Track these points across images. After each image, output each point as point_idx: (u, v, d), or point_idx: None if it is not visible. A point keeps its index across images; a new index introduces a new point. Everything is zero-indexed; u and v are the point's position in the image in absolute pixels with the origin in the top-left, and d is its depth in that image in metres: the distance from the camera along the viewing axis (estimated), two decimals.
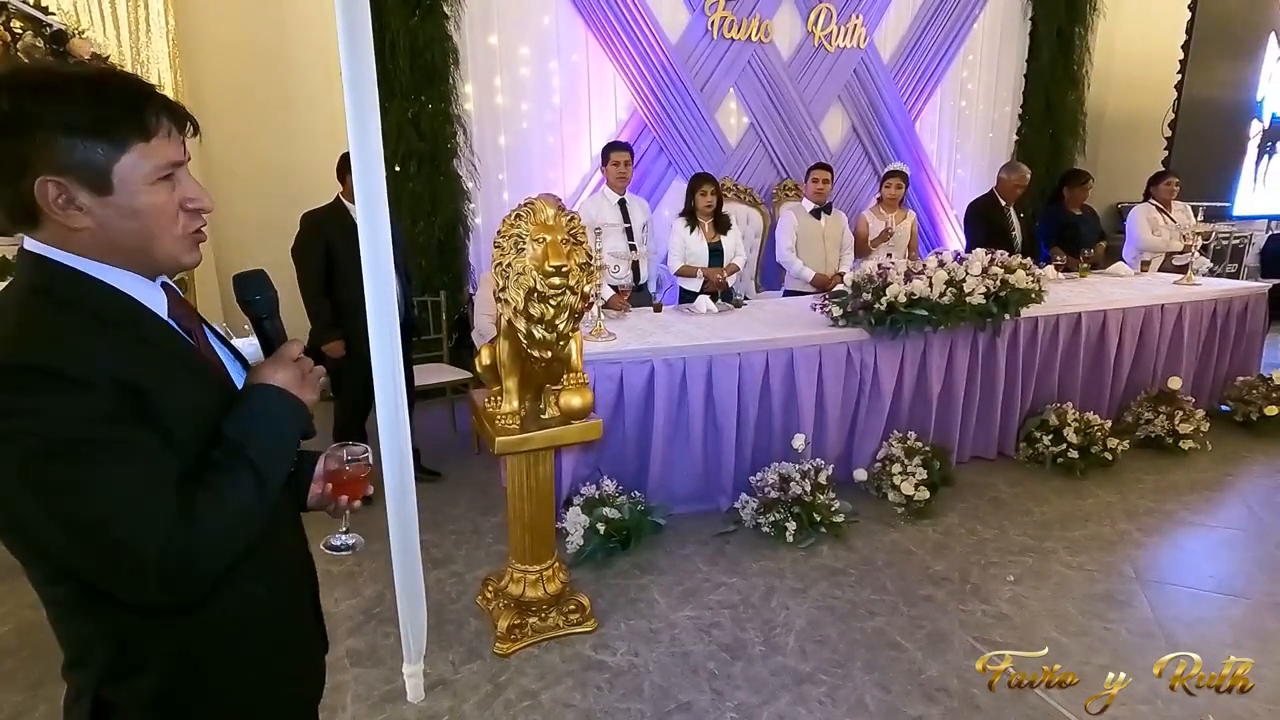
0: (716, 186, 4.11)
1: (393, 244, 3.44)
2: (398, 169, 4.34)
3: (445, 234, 4.41)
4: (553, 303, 1.89)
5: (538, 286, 1.85)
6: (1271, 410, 3.96)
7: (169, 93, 4.31)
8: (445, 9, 4.26)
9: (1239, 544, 2.90)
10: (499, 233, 1.93)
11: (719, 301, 3.72)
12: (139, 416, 0.77)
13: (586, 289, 1.96)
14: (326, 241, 3.04)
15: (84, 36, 2.47)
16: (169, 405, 0.81)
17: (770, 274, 5.08)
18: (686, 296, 4.05)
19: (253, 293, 1.01)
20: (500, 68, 4.59)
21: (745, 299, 4.08)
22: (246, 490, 0.83)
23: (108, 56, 2.76)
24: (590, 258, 1.97)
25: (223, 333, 1.07)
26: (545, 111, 4.76)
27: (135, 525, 0.74)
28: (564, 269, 1.83)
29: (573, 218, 1.91)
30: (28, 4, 2.61)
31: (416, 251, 4.31)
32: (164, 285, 0.92)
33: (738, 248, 4.17)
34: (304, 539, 1.10)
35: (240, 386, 0.95)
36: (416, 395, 3.65)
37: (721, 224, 4.12)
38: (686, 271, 4.03)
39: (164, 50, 4.12)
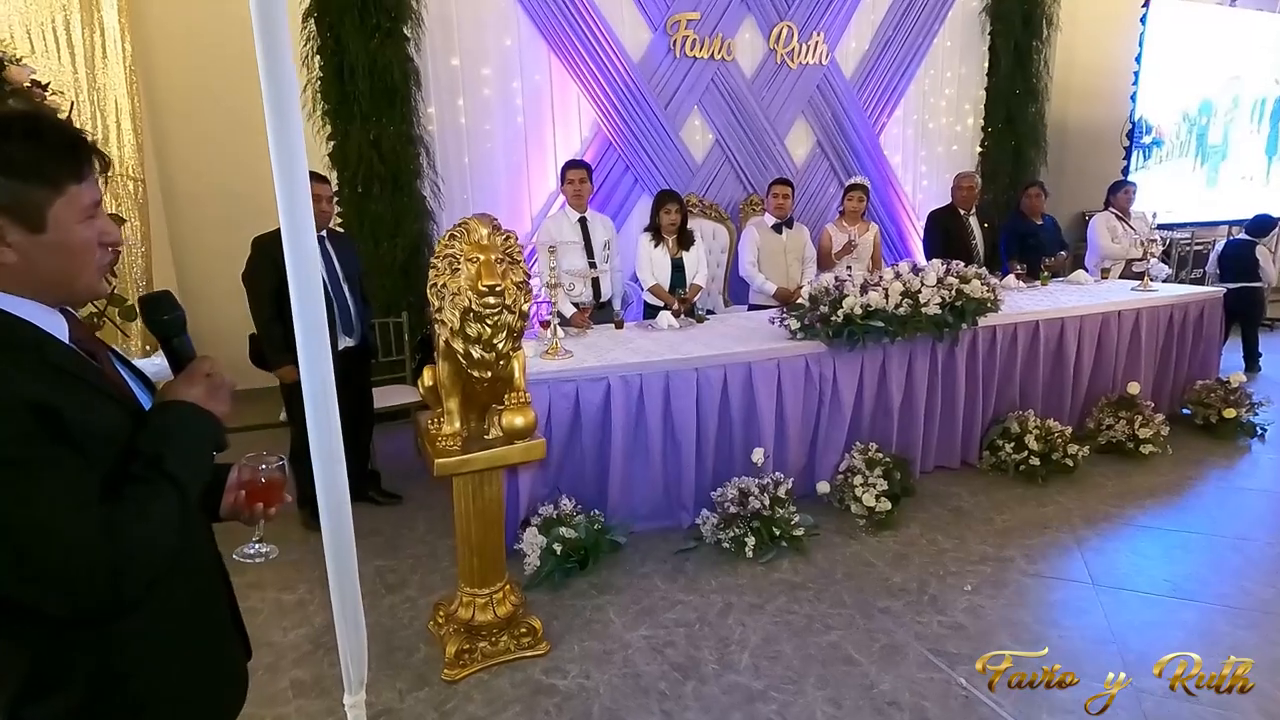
0: (681, 205, 4.13)
1: (351, 267, 3.42)
2: (359, 190, 4.34)
3: (408, 255, 4.39)
4: (489, 322, 1.88)
5: (473, 306, 1.84)
6: (1230, 413, 4.01)
7: (127, 119, 4.30)
8: (406, 31, 4.28)
9: (1195, 547, 2.91)
10: (434, 253, 1.92)
11: (681, 317, 3.73)
12: (56, 436, 0.80)
13: (525, 308, 1.95)
14: (278, 266, 3.01)
15: (21, 63, 2.45)
16: (82, 425, 0.83)
17: (737, 288, 5.10)
18: (651, 312, 4.05)
19: (160, 313, 1.04)
20: (463, 89, 4.61)
21: (709, 313, 4.09)
22: (167, 502, 0.86)
23: (48, 83, 2.74)
24: (528, 276, 1.97)
25: (123, 354, 1.09)
26: (509, 131, 4.78)
27: (64, 538, 0.77)
28: (498, 289, 1.82)
29: (508, 237, 1.91)
30: None
31: (379, 272, 4.28)
32: (63, 311, 0.94)
33: (700, 264, 4.19)
34: (216, 548, 1.12)
35: (147, 405, 0.98)
36: (377, 418, 3.63)
37: (685, 240, 4.14)
38: (657, 292, 4.04)
39: (120, 77, 4.11)
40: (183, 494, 0.89)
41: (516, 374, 2.07)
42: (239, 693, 1.13)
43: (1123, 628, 2.35)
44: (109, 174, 0.95)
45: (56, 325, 0.90)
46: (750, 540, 2.82)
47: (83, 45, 3.91)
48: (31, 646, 0.86)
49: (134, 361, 1.08)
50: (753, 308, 4.51)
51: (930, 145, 6.31)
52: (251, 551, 1.20)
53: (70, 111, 3.02)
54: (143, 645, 0.93)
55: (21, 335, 0.85)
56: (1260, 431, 4.00)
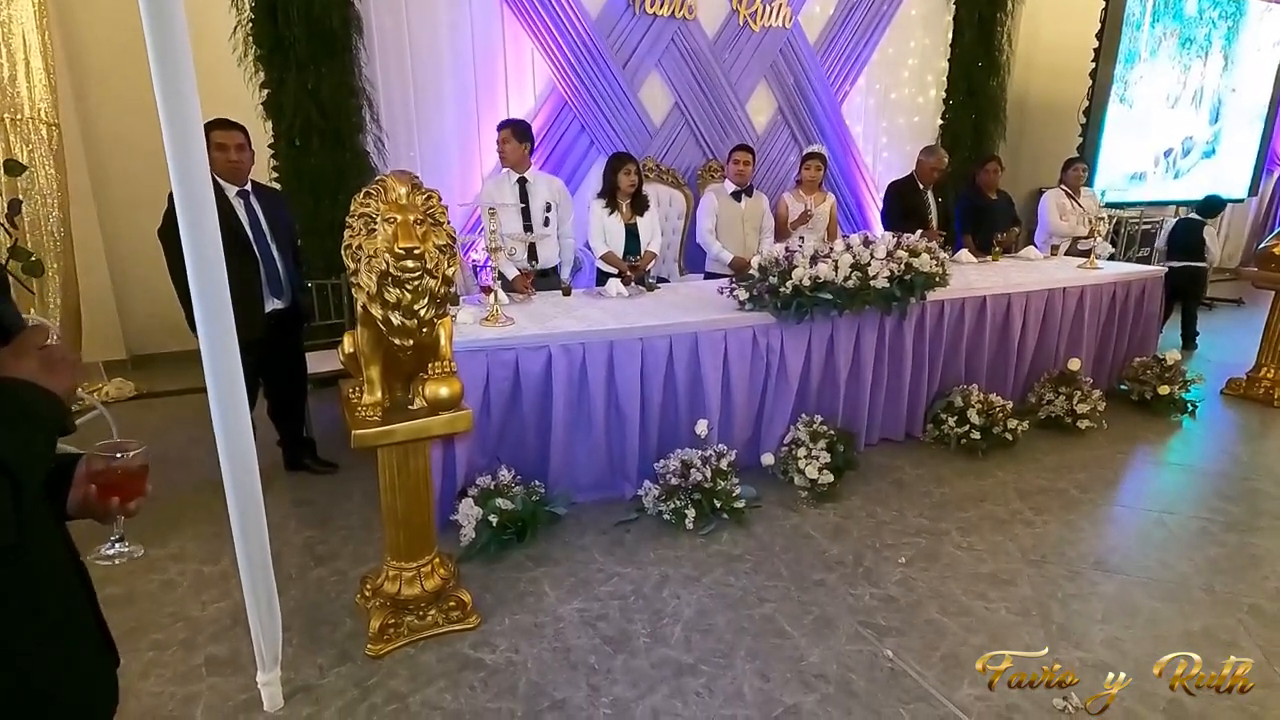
0: (638, 166, 4.01)
1: (281, 225, 3.24)
2: (297, 144, 4.12)
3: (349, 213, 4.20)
4: (409, 287, 1.77)
5: (391, 270, 1.74)
6: (1164, 390, 4.12)
7: (38, 57, 3.98)
8: None
9: (1121, 520, 3.00)
10: (349, 213, 1.81)
11: (631, 285, 3.65)
12: None
13: (449, 272, 1.85)
14: None
15: None
16: None
17: (694, 256, 5.03)
18: (603, 279, 3.96)
19: None
20: (409, 39, 4.38)
21: (660, 281, 4.01)
22: None
23: None
24: (453, 239, 1.86)
25: None
26: (459, 87, 4.57)
27: None
28: (416, 251, 1.72)
29: (430, 196, 1.80)
30: None
31: (319, 232, 4.08)
32: None
33: (654, 230, 4.09)
34: (70, 547, 0.99)
35: None
36: (314, 383, 3.49)
37: (639, 205, 4.03)
38: (609, 259, 3.94)
39: (29, 10, 3.79)
40: (15, 483, 0.76)
41: (442, 341, 1.98)
42: (108, 699, 1.02)
43: (1046, 600, 2.41)
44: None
45: None
46: (690, 512, 2.81)
47: None
48: None
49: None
50: (709, 275, 4.45)
51: (892, 116, 6.26)
52: (111, 552, 1.09)
53: None
54: None
55: None
56: (1191, 408, 4.12)
